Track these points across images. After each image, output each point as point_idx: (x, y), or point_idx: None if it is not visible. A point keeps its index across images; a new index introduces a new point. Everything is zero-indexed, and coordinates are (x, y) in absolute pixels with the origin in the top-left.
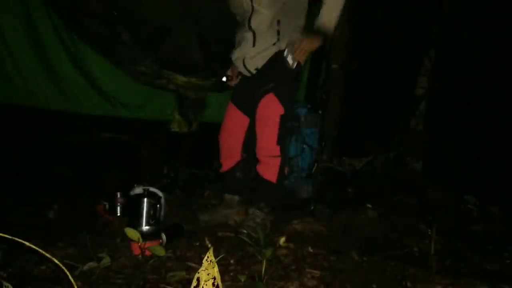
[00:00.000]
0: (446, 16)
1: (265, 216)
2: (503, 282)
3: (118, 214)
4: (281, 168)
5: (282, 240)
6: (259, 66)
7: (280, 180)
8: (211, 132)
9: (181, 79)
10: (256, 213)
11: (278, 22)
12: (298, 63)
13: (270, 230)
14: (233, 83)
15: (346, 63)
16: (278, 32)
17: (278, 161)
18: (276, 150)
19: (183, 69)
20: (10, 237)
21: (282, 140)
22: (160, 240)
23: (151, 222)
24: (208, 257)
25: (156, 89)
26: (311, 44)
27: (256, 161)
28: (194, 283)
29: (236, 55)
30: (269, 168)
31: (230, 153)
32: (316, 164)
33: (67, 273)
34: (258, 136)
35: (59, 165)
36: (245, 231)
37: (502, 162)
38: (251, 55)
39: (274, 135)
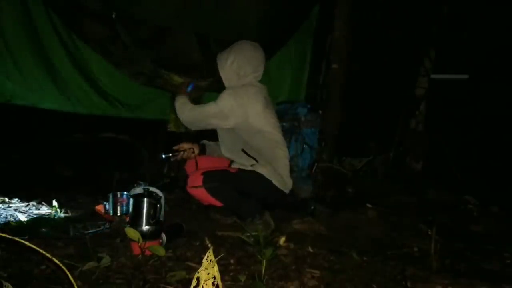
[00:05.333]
0: (446, 16)
1: (267, 217)
2: (503, 282)
3: (118, 214)
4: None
5: (282, 240)
6: None
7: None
8: (210, 131)
9: (177, 79)
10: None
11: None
12: None
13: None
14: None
15: (346, 63)
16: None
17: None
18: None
19: (182, 69)
20: (10, 237)
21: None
22: (160, 240)
23: (151, 222)
24: (208, 256)
25: (156, 89)
26: None
27: None
28: (194, 283)
29: None
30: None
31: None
32: (316, 164)
33: (67, 273)
34: None
35: (59, 165)
36: (248, 234)
37: (502, 162)
38: None
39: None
